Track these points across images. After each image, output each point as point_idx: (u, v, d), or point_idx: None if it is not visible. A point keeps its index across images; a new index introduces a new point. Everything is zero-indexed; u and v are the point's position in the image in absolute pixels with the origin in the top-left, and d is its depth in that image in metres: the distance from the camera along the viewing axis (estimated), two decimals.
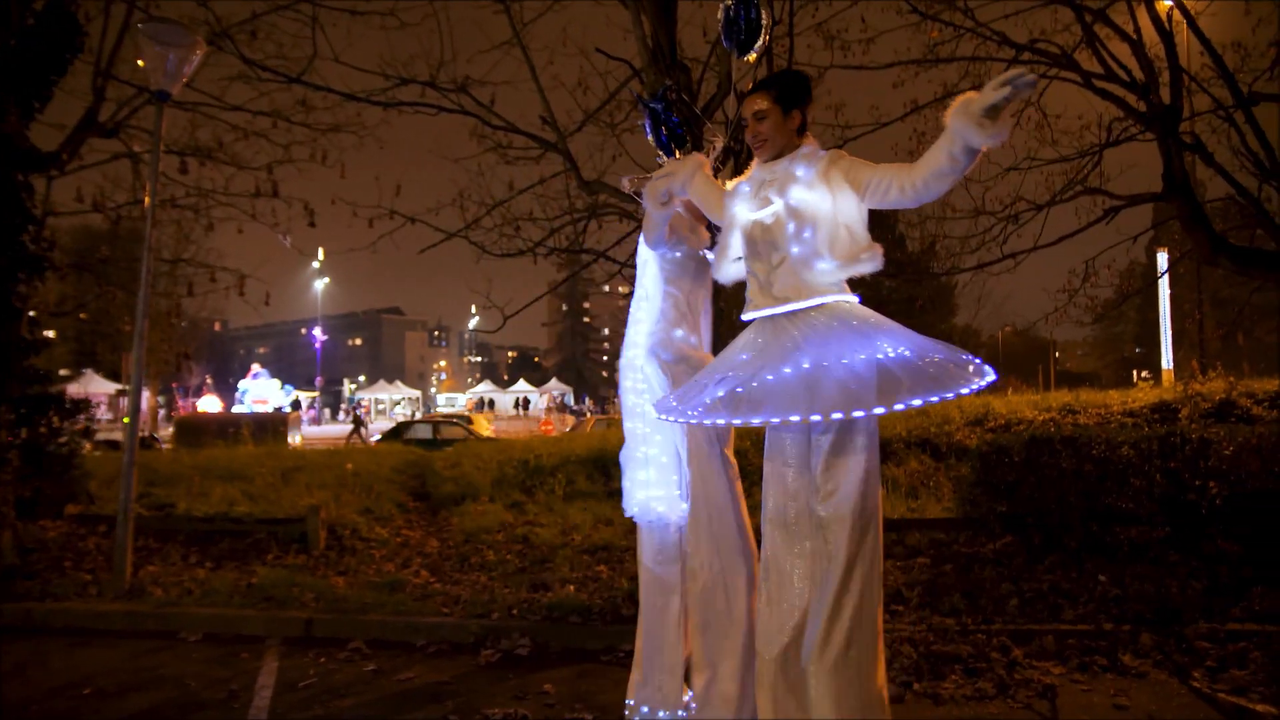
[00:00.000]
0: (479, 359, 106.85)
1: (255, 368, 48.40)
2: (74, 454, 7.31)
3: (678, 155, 3.85)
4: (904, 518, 6.76)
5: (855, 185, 2.75)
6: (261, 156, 8.80)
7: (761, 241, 2.89)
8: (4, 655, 4.80)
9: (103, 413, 33.19)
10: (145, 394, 6.41)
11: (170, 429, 24.75)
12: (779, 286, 2.82)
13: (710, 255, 3.31)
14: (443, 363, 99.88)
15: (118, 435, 20.28)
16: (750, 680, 3.00)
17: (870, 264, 2.78)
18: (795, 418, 2.57)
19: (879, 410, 2.48)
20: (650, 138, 3.83)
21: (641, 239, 3.43)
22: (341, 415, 57.85)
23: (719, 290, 3.49)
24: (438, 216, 7.49)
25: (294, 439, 20.09)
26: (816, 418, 2.55)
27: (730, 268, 3.11)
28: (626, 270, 7.83)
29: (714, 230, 3.33)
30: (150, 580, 5.97)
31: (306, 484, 8.53)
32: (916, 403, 2.45)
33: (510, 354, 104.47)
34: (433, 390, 78.33)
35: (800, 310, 2.77)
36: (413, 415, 42.52)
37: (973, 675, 4.21)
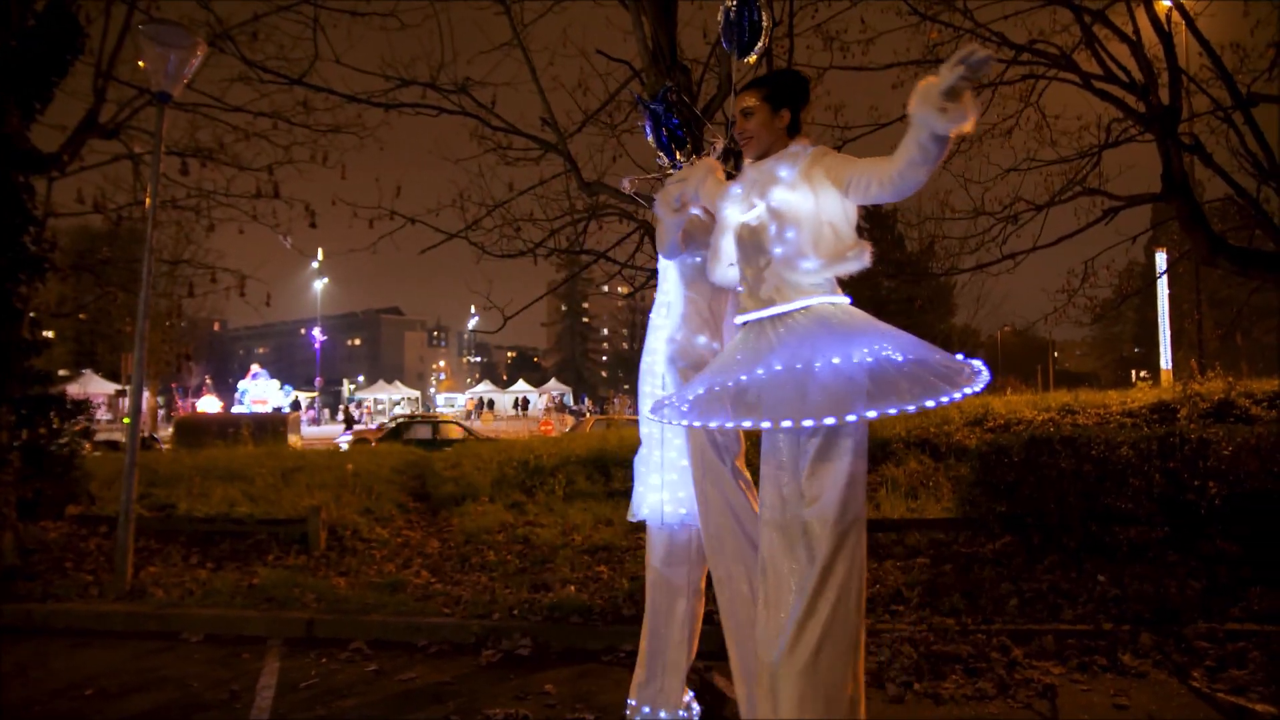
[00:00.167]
0: (478, 359, 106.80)
1: (255, 368, 48.36)
2: (75, 455, 7.31)
3: (678, 156, 3.86)
4: (904, 518, 6.77)
5: (838, 183, 2.69)
6: (262, 157, 8.82)
7: (749, 244, 2.86)
8: (5, 656, 4.81)
9: (102, 413, 33.23)
10: (145, 394, 6.41)
11: (170, 429, 24.75)
12: (765, 289, 2.80)
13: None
14: (442, 363, 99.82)
15: (117, 436, 20.29)
16: None
17: (857, 262, 2.73)
18: (747, 424, 2.56)
19: (829, 420, 2.44)
20: (650, 139, 3.84)
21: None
22: (340, 415, 57.82)
23: None
24: (438, 217, 7.51)
25: (294, 439, 20.05)
26: (766, 424, 2.53)
27: (724, 272, 3.09)
28: (626, 271, 7.86)
29: None
30: (151, 581, 5.98)
31: (307, 484, 8.54)
32: (892, 411, 2.43)
33: (509, 354, 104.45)
34: (432, 390, 78.29)
35: (785, 313, 2.73)
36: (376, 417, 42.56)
37: (973, 675, 4.22)
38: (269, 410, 37.68)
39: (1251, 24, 7.58)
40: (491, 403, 61.71)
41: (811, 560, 2.61)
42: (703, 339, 3.27)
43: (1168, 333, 23.74)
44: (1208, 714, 3.80)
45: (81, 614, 5.48)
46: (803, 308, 2.72)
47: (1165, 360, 23.80)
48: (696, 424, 2.74)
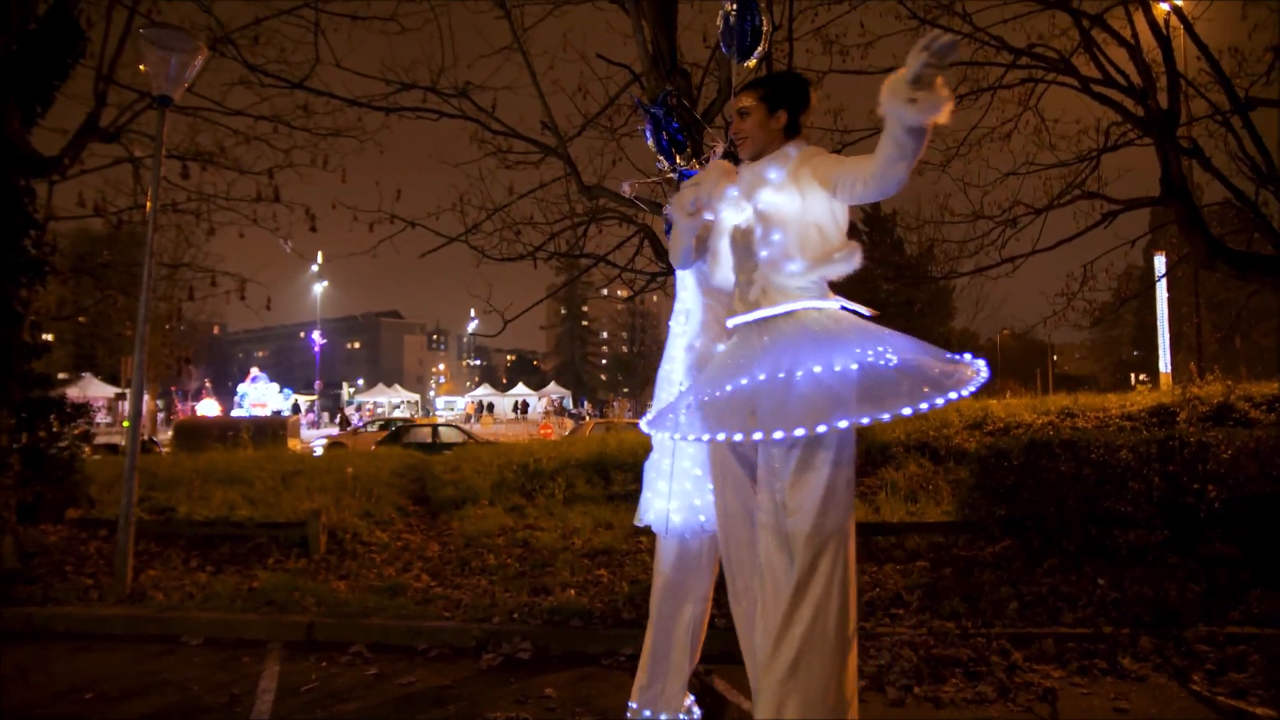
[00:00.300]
0: (478, 362, 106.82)
1: (254, 371, 48.33)
2: (75, 458, 7.31)
3: (678, 160, 3.87)
4: (903, 521, 6.77)
5: (825, 183, 2.63)
6: (263, 161, 8.82)
7: (740, 247, 2.84)
8: (6, 660, 4.80)
9: (102, 416, 33.20)
10: (145, 398, 6.41)
11: (169, 433, 24.74)
12: (752, 292, 2.77)
13: None
14: (441, 366, 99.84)
15: (117, 439, 20.29)
16: None
17: (845, 264, 2.67)
18: (738, 437, 2.54)
19: (799, 432, 2.41)
20: (650, 143, 3.85)
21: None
22: (338, 419, 57.79)
23: None
24: (438, 221, 7.53)
25: (294, 443, 20.06)
26: (758, 436, 2.50)
27: (724, 275, 3.06)
28: (626, 275, 7.87)
29: None
30: (151, 584, 5.98)
31: (307, 488, 8.54)
32: (866, 421, 2.39)
33: (509, 357, 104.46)
34: (431, 393, 78.27)
35: (770, 318, 2.69)
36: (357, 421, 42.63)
37: (973, 679, 4.22)
38: (268, 413, 37.68)
39: (1249, 28, 7.61)
40: (491, 406, 61.71)
41: (793, 570, 2.57)
42: (722, 346, 3.23)
43: (1167, 336, 23.78)
44: (1208, 718, 3.81)
45: (81, 617, 5.48)
46: (787, 312, 2.67)
47: (1164, 363, 23.84)
48: (689, 437, 2.71)
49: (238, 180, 8.90)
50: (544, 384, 70.01)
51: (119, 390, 35.78)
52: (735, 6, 3.81)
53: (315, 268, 45.08)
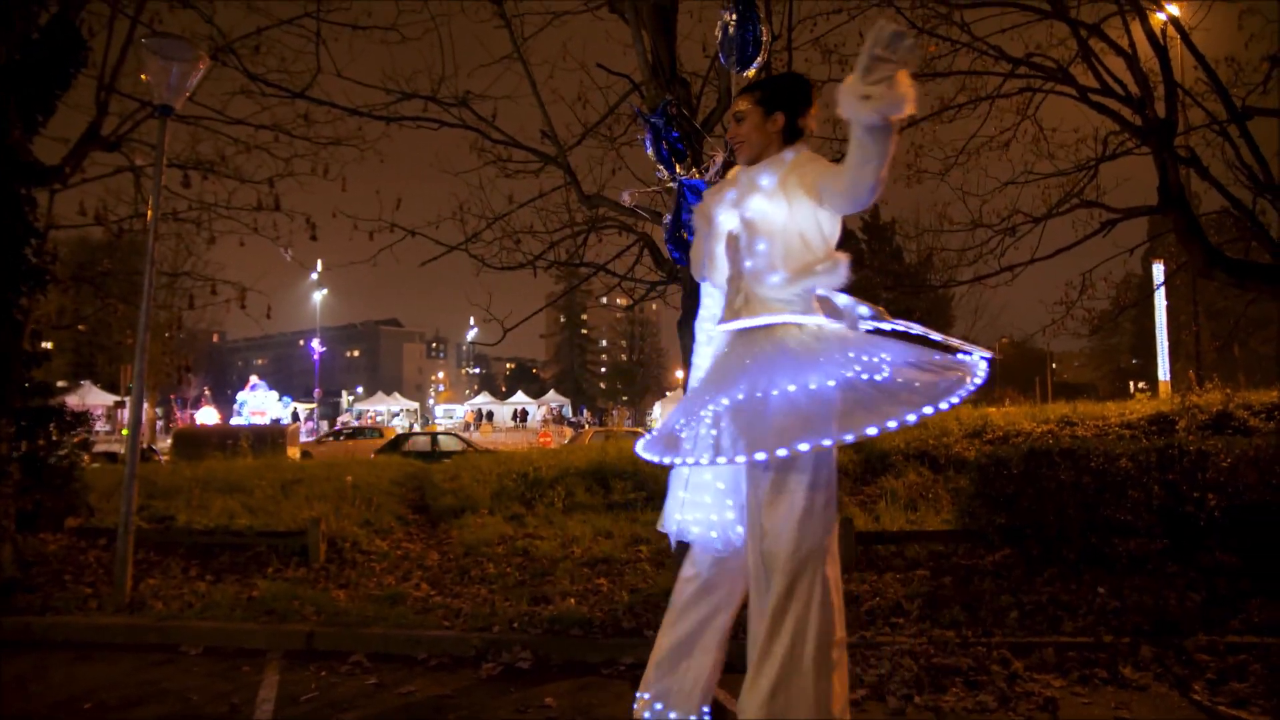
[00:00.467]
0: (477, 370, 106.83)
1: (253, 379, 48.34)
2: (74, 466, 7.30)
3: (678, 170, 3.89)
4: (903, 530, 6.78)
5: (811, 191, 2.55)
6: (263, 170, 8.88)
7: (731, 254, 2.78)
8: (4, 669, 4.79)
9: (101, 424, 33.20)
10: (144, 406, 6.41)
11: (168, 441, 24.72)
12: (737, 301, 2.71)
13: None
14: (441, 374, 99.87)
15: (116, 447, 20.26)
16: None
17: (828, 276, 2.56)
18: (693, 460, 2.49)
19: (760, 456, 2.35)
20: (650, 152, 3.87)
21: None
22: (339, 427, 57.71)
23: None
24: (438, 230, 7.57)
25: (293, 451, 20.03)
26: (705, 460, 2.45)
27: (721, 279, 2.99)
28: (626, 283, 7.90)
29: None
30: (151, 593, 5.96)
31: (306, 496, 8.53)
32: (827, 443, 2.31)
33: (508, 365, 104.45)
34: (431, 402, 78.22)
35: (749, 329, 2.63)
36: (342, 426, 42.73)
37: (974, 688, 4.22)
38: (267, 421, 37.68)
39: (1245, 38, 7.66)
40: (490, 414, 61.67)
41: (768, 592, 2.49)
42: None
43: (1165, 344, 23.80)
44: None
45: (81, 627, 5.47)
46: (766, 326, 2.59)
47: (1163, 371, 23.85)
48: (666, 460, 2.64)
49: (238, 189, 8.94)
50: (543, 392, 69.99)
51: (118, 398, 35.82)
52: (735, 16, 3.84)
53: (315, 276, 45.09)
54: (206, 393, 47.46)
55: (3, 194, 6.39)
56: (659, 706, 3.00)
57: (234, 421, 39.51)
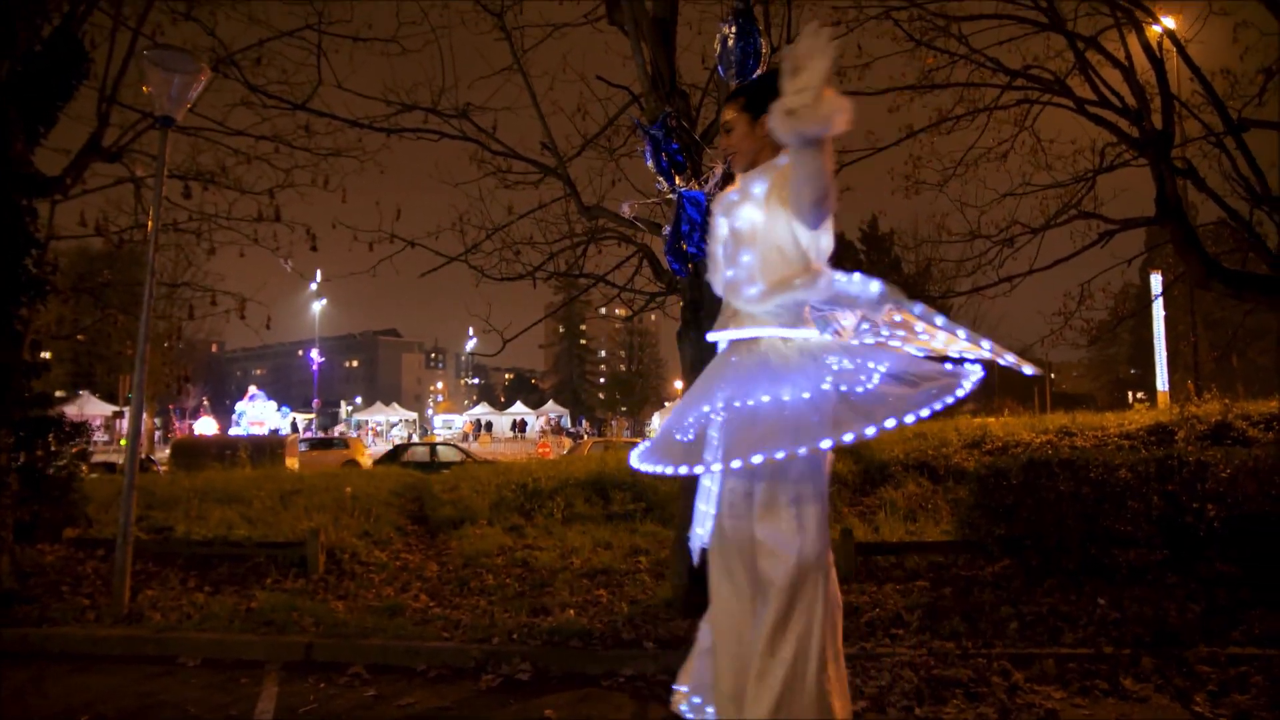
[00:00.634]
0: (476, 381, 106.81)
1: (252, 389, 48.27)
2: (73, 477, 7.29)
3: (677, 181, 3.90)
4: (902, 540, 6.77)
5: (784, 202, 2.44)
6: (264, 181, 8.86)
7: (720, 263, 2.73)
8: (2, 681, 4.77)
9: (99, 435, 33.14)
10: (143, 416, 6.42)
11: (167, 451, 24.67)
12: (725, 313, 2.68)
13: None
14: (440, 384, 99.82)
15: (114, 457, 20.22)
16: None
17: (805, 291, 2.44)
18: (669, 469, 2.47)
19: (736, 464, 2.30)
20: (650, 164, 3.87)
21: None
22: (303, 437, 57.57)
23: None
24: (437, 240, 7.62)
25: (291, 461, 19.98)
26: (684, 470, 2.43)
27: (721, 284, 2.94)
28: (625, 294, 7.91)
29: None
30: (149, 604, 5.95)
31: (305, 507, 8.51)
32: (801, 451, 2.24)
33: (507, 376, 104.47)
34: (429, 412, 78.16)
35: (734, 342, 2.58)
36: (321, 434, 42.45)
37: (974, 700, 4.21)
38: (266, 432, 37.62)
39: (1240, 51, 7.71)
40: (489, 425, 61.63)
41: (764, 610, 2.41)
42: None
43: (1164, 354, 23.85)
44: None
45: (78, 638, 5.45)
46: (750, 339, 2.54)
47: (1162, 382, 23.88)
48: (656, 470, 2.60)
49: (239, 200, 8.96)
50: (542, 403, 69.95)
51: (117, 408, 35.79)
52: (734, 29, 3.85)
53: (314, 286, 45.10)
54: (205, 403, 47.39)
55: (3, 205, 6.40)
56: (697, 700, 2.94)
57: (232, 432, 39.42)
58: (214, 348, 67.21)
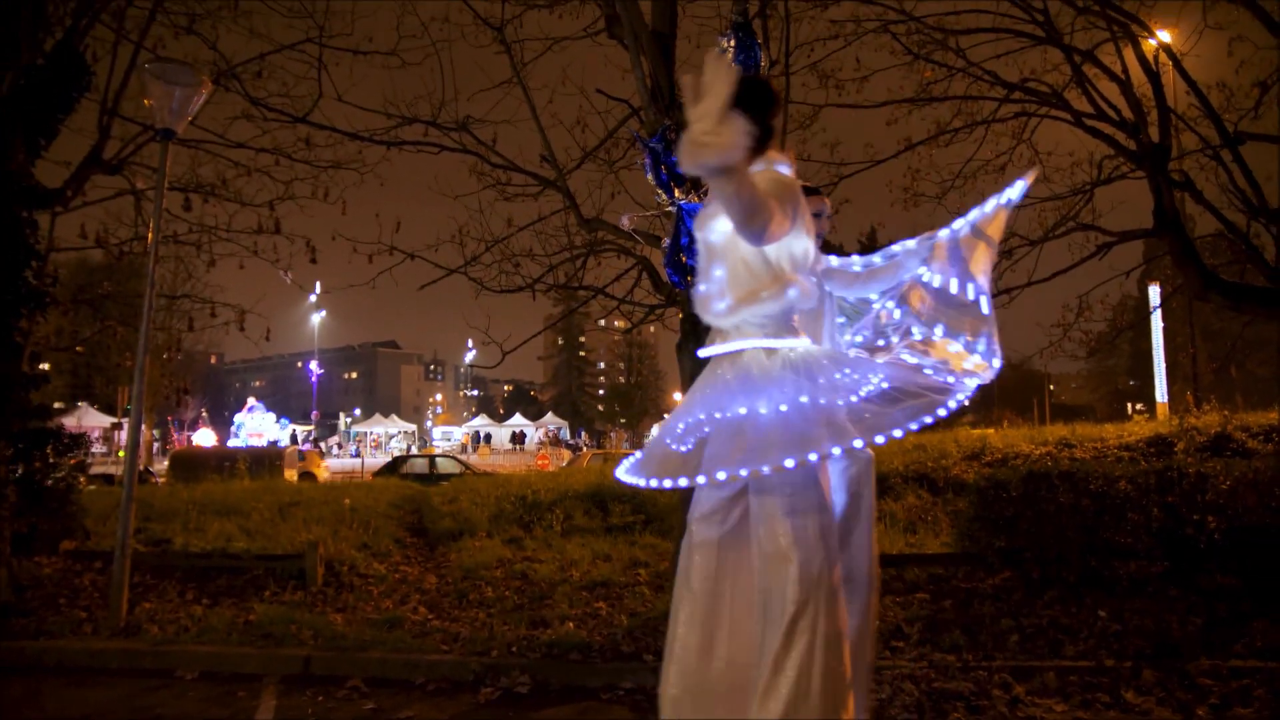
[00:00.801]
0: (475, 393, 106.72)
1: (251, 401, 48.24)
2: (71, 489, 7.27)
3: (677, 194, 3.92)
4: (902, 553, 6.76)
5: None
6: (264, 193, 8.89)
7: (699, 274, 2.67)
8: None
9: (97, 446, 33.10)
10: (141, 427, 6.42)
11: (165, 463, 24.61)
12: (713, 328, 2.64)
13: (812, 280, 3.12)
14: (439, 396, 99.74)
15: (112, 469, 20.17)
16: None
17: (773, 303, 2.42)
18: (654, 483, 2.44)
19: (722, 475, 2.24)
20: (650, 176, 3.90)
21: None
22: (336, 450, 57.59)
23: None
24: (437, 253, 7.59)
25: (290, 473, 19.92)
26: (668, 484, 2.40)
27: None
28: (624, 306, 7.91)
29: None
30: (146, 617, 5.92)
31: (304, 519, 8.49)
32: (789, 464, 2.20)
33: (506, 388, 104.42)
34: (429, 424, 78.07)
35: (717, 355, 2.55)
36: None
37: (975, 713, 4.19)
38: (265, 444, 37.55)
39: (1236, 64, 7.76)
40: (489, 436, 61.54)
41: (769, 627, 2.34)
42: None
43: (1163, 366, 23.87)
44: None
45: (75, 651, 5.42)
46: (735, 352, 2.50)
47: (1161, 393, 23.90)
48: (642, 483, 2.56)
49: (239, 212, 8.98)
50: (541, 414, 69.85)
51: (115, 420, 35.74)
52: (732, 43, 3.89)
53: (314, 298, 45.13)
54: (204, 415, 47.35)
55: (4, 217, 6.41)
56: None
57: (231, 444, 39.35)
58: (213, 359, 67.15)
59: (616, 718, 4.29)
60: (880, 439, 2.33)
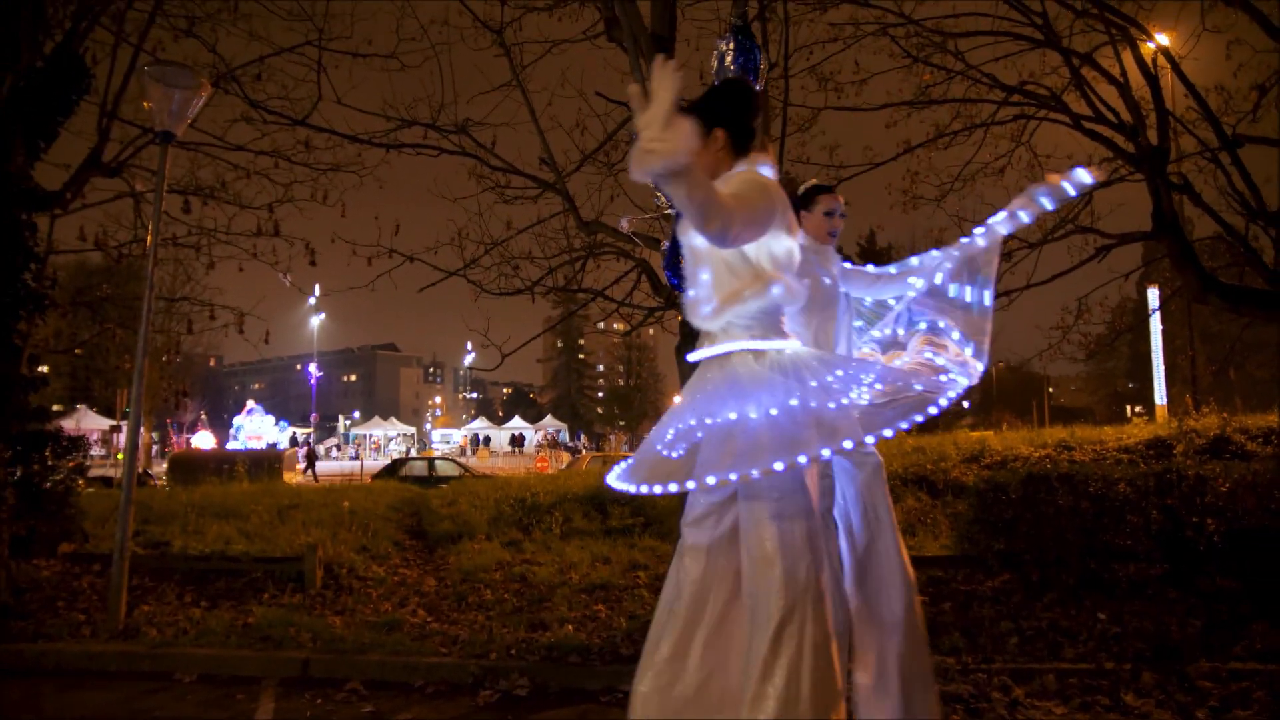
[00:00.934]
0: (474, 395, 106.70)
1: (250, 404, 48.21)
2: (69, 491, 7.26)
3: None
4: None
5: None
6: (263, 196, 8.89)
7: (687, 279, 2.67)
8: None
9: (96, 449, 33.07)
10: (140, 430, 6.43)
11: (164, 465, 24.59)
12: (701, 332, 2.63)
13: (826, 281, 3.07)
14: (438, 399, 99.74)
15: (111, 472, 20.14)
16: None
17: (757, 302, 2.41)
18: (645, 489, 2.40)
19: (712, 480, 2.22)
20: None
21: None
22: (335, 452, 57.57)
23: None
24: (436, 255, 7.62)
25: (289, 476, 19.93)
26: (659, 489, 2.36)
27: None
28: (623, 309, 7.92)
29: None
30: (145, 620, 5.92)
31: (303, 522, 8.48)
32: (779, 468, 2.18)
33: (505, 390, 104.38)
34: (428, 427, 78.05)
35: (706, 359, 2.54)
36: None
37: (975, 715, 4.19)
38: (264, 446, 37.53)
39: (1234, 67, 7.76)
40: (488, 439, 61.52)
41: (756, 634, 2.31)
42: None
43: (1161, 368, 23.89)
44: None
45: (73, 654, 5.42)
46: (723, 355, 2.48)
47: (1160, 396, 23.92)
48: (632, 489, 2.53)
49: (238, 215, 8.98)
50: (540, 417, 69.85)
51: (114, 422, 35.72)
52: (731, 45, 3.89)
53: (313, 301, 45.12)
54: (203, 417, 47.31)
55: (3, 219, 6.41)
56: None
57: (230, 446, 39.32)
58: (212, 362, 67.19)
59: None
60: (871, 438, 2.33)
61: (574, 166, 7.61)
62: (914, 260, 3.09)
